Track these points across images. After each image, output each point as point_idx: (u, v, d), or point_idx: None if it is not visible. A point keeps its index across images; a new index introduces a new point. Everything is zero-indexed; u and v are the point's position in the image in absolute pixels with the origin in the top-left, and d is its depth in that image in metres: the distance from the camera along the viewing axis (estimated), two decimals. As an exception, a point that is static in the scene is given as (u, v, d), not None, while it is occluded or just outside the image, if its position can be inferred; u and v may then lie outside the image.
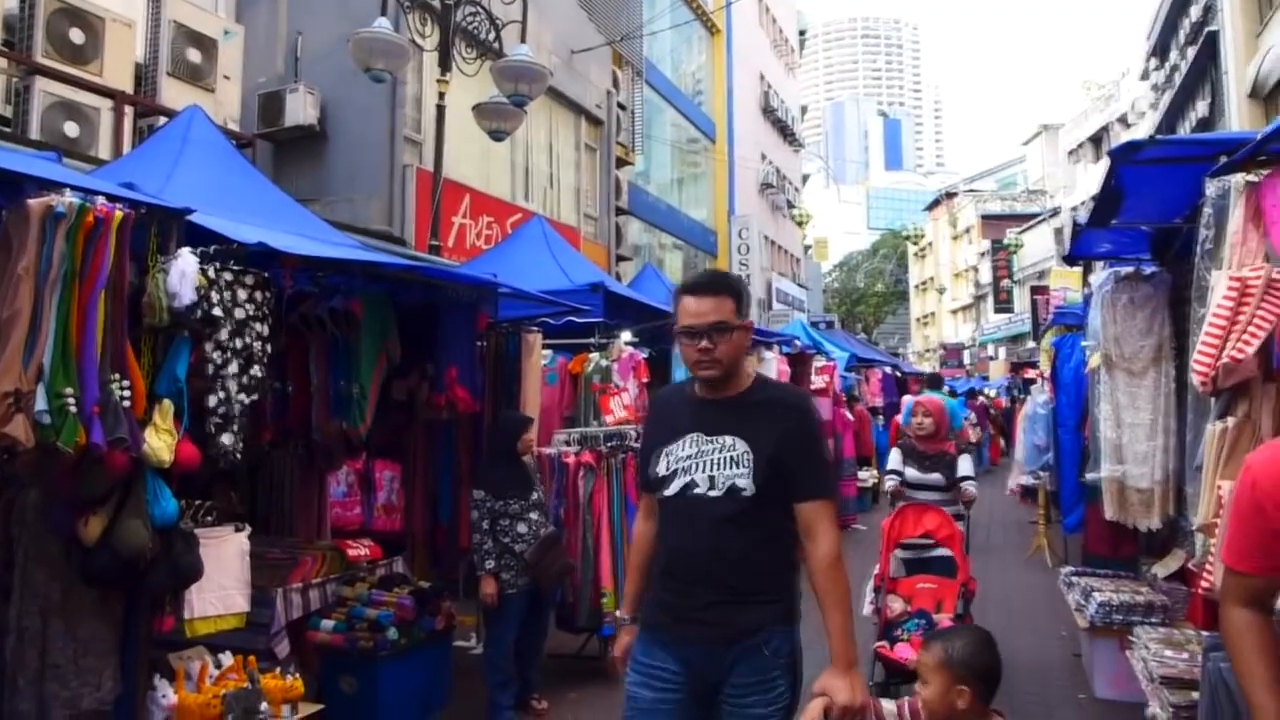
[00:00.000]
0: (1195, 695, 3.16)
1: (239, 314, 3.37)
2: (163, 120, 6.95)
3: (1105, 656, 4.84)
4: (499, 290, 5.26)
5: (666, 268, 20.09)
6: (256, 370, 3.38)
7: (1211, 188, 3.03)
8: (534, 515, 4.74)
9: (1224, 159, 2.95)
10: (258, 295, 3.46)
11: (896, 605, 4.62)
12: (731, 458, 2.35)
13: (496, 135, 8.60)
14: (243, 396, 3.35)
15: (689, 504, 2.38)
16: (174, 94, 7.54)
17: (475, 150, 10.86)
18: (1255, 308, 2.61)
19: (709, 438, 2.39)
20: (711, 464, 2.37)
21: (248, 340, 3.38)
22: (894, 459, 5.56)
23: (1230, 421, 2.74)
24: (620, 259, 16.61)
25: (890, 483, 5.44)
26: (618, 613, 2.71)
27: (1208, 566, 2.88)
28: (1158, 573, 5.10)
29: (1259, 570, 1.71)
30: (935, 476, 5.26)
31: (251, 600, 4.13)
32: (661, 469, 2.44)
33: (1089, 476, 5.58)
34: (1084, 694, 5.03)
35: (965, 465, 5.31)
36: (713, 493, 2.35)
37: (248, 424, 3.58)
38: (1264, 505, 1.65)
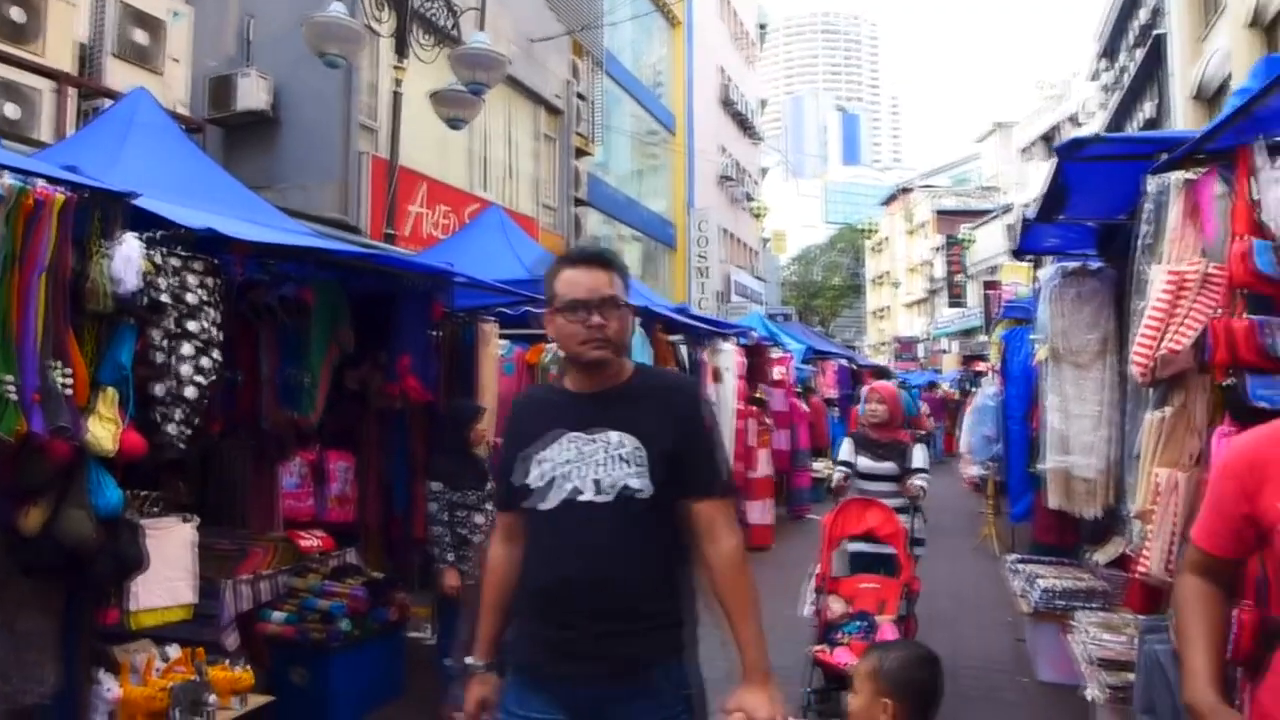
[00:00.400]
0: (1130, 676, 3.26)
1: (191, 299, 3.31)
2: (107, 103, 6.77)
3: (1047, 641, 4.97)
4: (454, 279, 5.22)
5: (625, 259, 20.03)
6: (215, 355, 3.33)
7: (1151, 185, 3.11)
8: (490, 506, 4.72)
9: (1164, 157, 3.03)
10: (208, 281, 3.40)
11: (837, 606, 4.42)
12: (620, 456, 2.03)
13: (454, 124, 8.52)
14: (200, 379, 3.30)
15: (573, 516, 2.03)
16: (119, 76, 7.33)
17: (432, 138, 10.74)
18: (1191, 301, 2.70)
19: (590, 436, 2.06)
20: (597, 466, 2.03)
21: (204, 325, 3.32)
22: (845, 449, 5.34)
23: (1167, 411, 2.83)
24: (579, 250, 16.56)
25: (838, 474, 5.21)
26: (468, 659, 2.24)
27: (1144, 552, 2.97)
28: (1098, 560, 5.24)
29: (1217, 550, 1.75)
30: (888, 466, 5.08)
31: (200, 592, 4.07)
32: (534, 479, 2.08)
33: (1038, 467, 5.72)
34: (1026, 677, 5.17)
35: (919, 456, 5.12)
36: (601, 498, 2.02)
37: (203, 412, 3.52)
38: (1231, 488, 1.71)
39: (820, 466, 12.95)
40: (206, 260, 3.39)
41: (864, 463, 5.14)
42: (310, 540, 4.84)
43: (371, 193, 9.95)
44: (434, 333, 5.33)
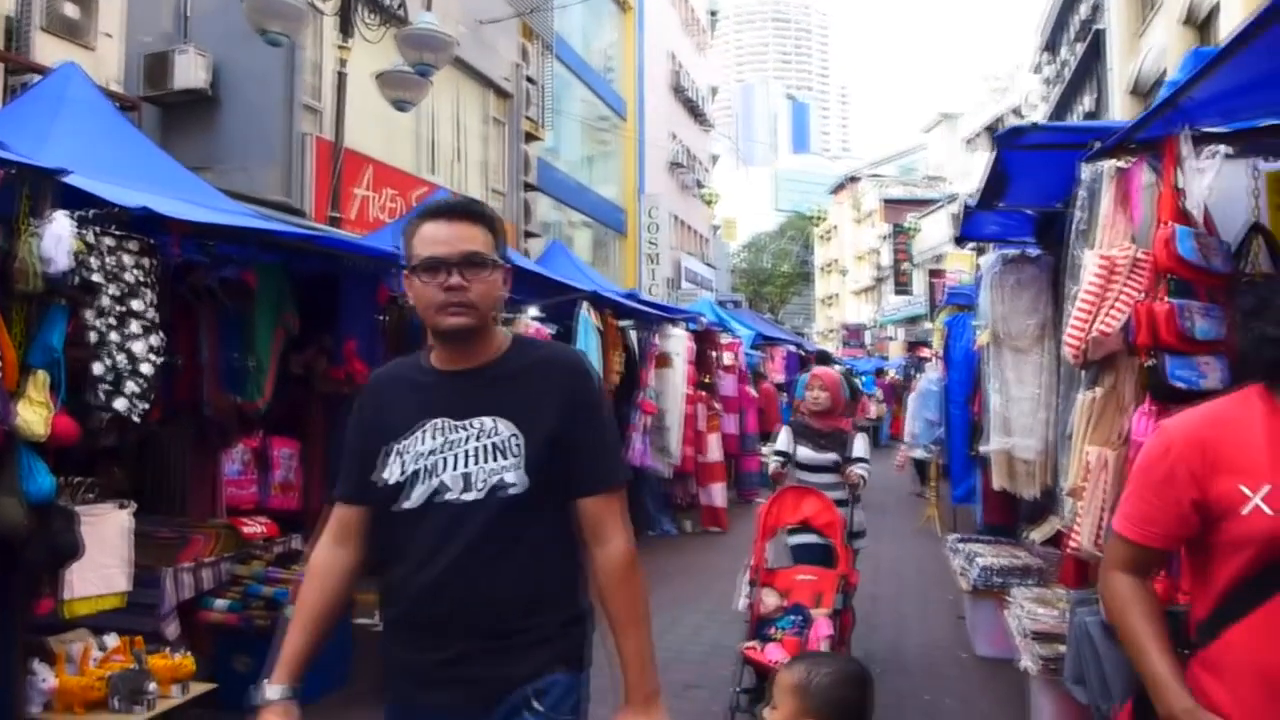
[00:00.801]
0: (1062, 648, 3.38)
1: (129, 279, 3.23)
2: (35, 79, 6.52)
3: (985, 617, 5.12)
4: (400, 262, 5.16)
5: (575, 246, 20.01)
6: (157, 338, 3.26)
7: (1085, 172, 3.20)
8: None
9: (1097, 145, 3.12)
10: (145, 262, 3.32)
11: (770, 600, 4.18)
12: (494, 446, 1.74)
13: (400, 106, 8.40)
14: (154, 357, 3.22)
15: (438, 518, 1.74)
16: (49, 51, 7.08)
17: (378, 120, 10.56)
18: (1121, 285, 2.79)
19: (459, 422, 1.76)
20: (465, 457, 1.74)
21: (145, 304, 3.24)
22: (782, 438, 5.05)
23: (1098, 392, 2.93)
24: (528, 235, 16.47)
25: (774, 463, 4.94)
26: (265, 686, 1.85)
27: (1075, 528, 3.08)
28: (1035, 538, 5.40)
29: (1152, 542, 1.67)
30: (830, 457, 4.79)
31: (139, 580, 3.98)
32: (392, 473, 1.77)
33: (981, 449, 5.88)
34: (966, 653, 5.32)
35: (860, 445, 4.86)
36: (469, 495, 1.73)
37: (151, 392, 3.44)
38: (1177, 473, 1.62)
39: (768, 451, 13.12)
40: (142, 240, 3.31)
41: (804, 453, 4.88)
42: (254, 527, 4.77)
43: (315, 175, 9.76)
44: (380, 316, 5.27)
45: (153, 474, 5.20)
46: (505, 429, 1.75)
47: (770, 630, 4.00)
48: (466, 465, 1.74)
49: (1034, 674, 3.56)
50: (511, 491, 1.72)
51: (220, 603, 4.34)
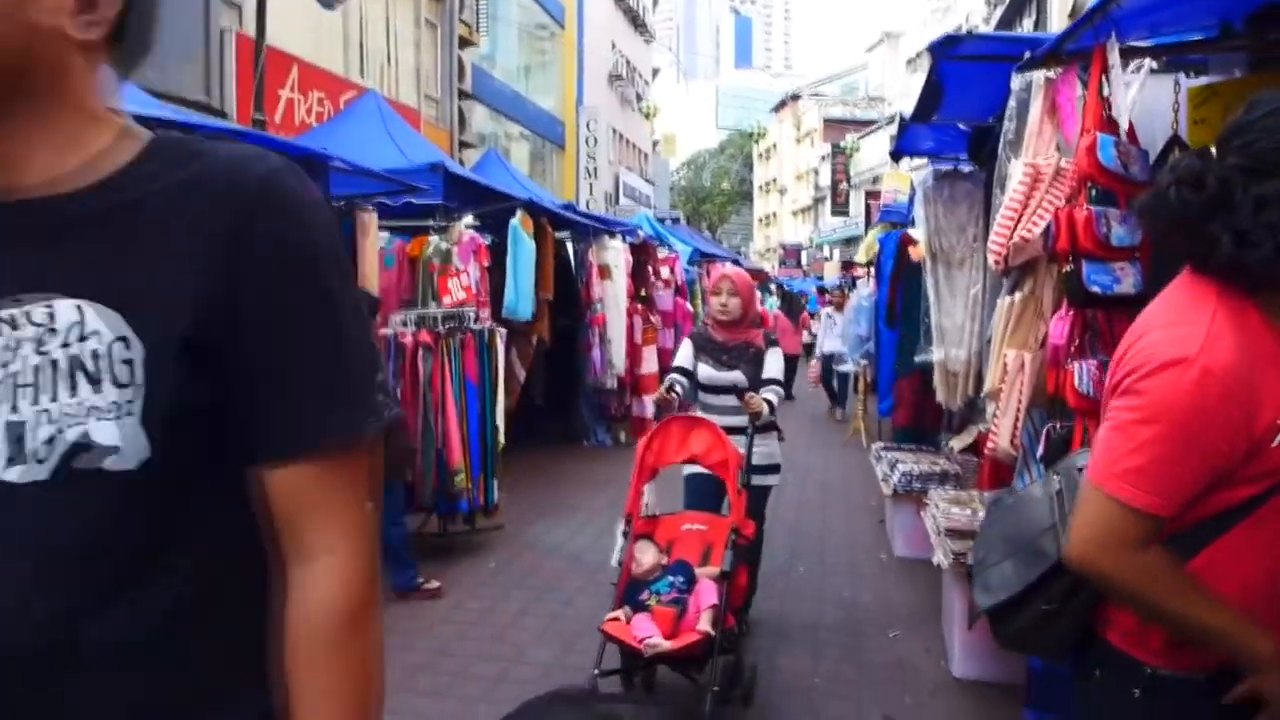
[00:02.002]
0: (973, 544, 3.57)
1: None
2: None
3: (904, 520, 5.36)
4: (329, 163, 5.00)
5: (513, 159, 19.56)
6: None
7: (1016, 83, 3.24)
8: (380, 397, 4.70)
9: (1028, 55, 3.15)
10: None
11: (647, 556, 3.38)
12: (71, 362, 0.81)
13: (327, 3, 8.00)
14: None
15: None
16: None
17: (304, 19, 10.05)
18: (1044, 193, 2.86)
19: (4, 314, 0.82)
20: (14, 393, 0.81)
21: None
22: (682, 352, 4.12)
23: (1017, 296, 3.04)
24: (464, 145, 16.04)
25: (665, 384, 3.92)
26: None
27: (993, 429, 3.22)
28: (954, 446, 5.64)
29: (1177, 511, 1.32)
30: (736, 375, 3.93)
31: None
32: None
33: (919, 358, 6.04)
34: (885, 554, 5.58)
35: (774, 363, 3.97)
36: (14, 473, 0.80)
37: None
38: (1232, 416, 1.27)
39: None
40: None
41: (705, 371, 4.01)
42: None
43: (237, 74, 9.30)
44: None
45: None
46: (99, 324, 0.82)
47: (644, 596, 3.24)
48: (13, 406, 0.81)
49: (946, 568, 3.76)
50: (109, 465, 0.80)
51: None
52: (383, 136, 6.93)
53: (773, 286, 20.44)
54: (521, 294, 6.97)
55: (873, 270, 9.21)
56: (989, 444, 3.39)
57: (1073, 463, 1.74)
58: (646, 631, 3.04)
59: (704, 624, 3.06)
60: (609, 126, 26.39)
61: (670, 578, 3.28)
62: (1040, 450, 2.76)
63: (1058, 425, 2.70)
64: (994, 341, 3.21)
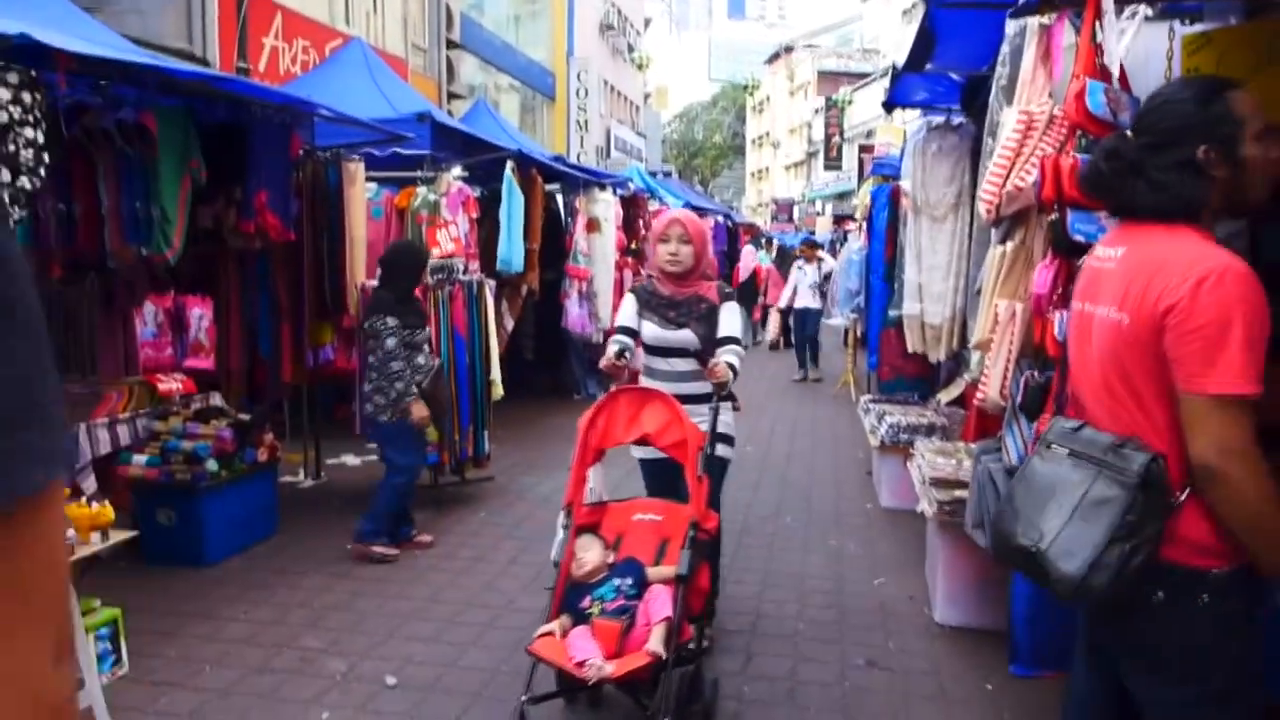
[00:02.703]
0: (958, 493, 3.61)
1: (7, 116, 3.00)
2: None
3: (891, 471, 5.41)
4: (315, 112, 4.92)
5: (503, 110, 19.27)
6: (25, 182, 3.04)
7: (1011, 28, 3.21)
8: (428, 347, 4.72)
9: (1022, 0, 3.11)
10: (24, 97, 3.08)
11: (590, 554, 2.84)
12: None
13: (309, -56, 7.79)
14: (15, 210, 3.03)
15: None
16: None
17: (286, -38, 9.82)
18: (1037, 141, 2.85)
19: None
20: None
21: (14, 148, 3.02)
22: (625, 310, 3.47)
23: (1009, 246, 3.03)
24: (453, 96, 15.79)
25: (613, 348, 3.24)
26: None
27: (983, 380, 3.24)
28: (941, 399, 5.68)
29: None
30: (685, 335, 3.32)
31: (50, 436, 3.89)
32: None
33: (892, 313, 6.08)
34: (871, 504, 5.64)
35: (730, 319, 3.36)
36: None
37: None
38: (1260, 295, 1.55)
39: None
40: (22, 71, 3.06)
41: (650, 330, 3.38)
42: (169, 383, 4.68)
43: (220, 21, 9.09)
44: (294, 170, 5.06)
45: (58, 333, 5.03)
46: None
47: (585, 603, 2.74)
48: None
49: (931, 517, 3.80)
50: None
51: (139, 458, 4.30)
52: (369, 86, 6.81)
53: (764, 240, 20.27)
54: (515, 247, 6.92)
55: (864, 224, 9.18)
56: (978, 394, 3.41)
57: (1063, 428, 1.78)
58: (585, 652, 2.53)
59: (654, 643, 2.54)
60: (600, 78, 26.01)
61: (617, 580, 2.76)
62: (1019, 399, 2.78)
63: (1035, 374, 2.71)
64: (984, 292, 3.21)
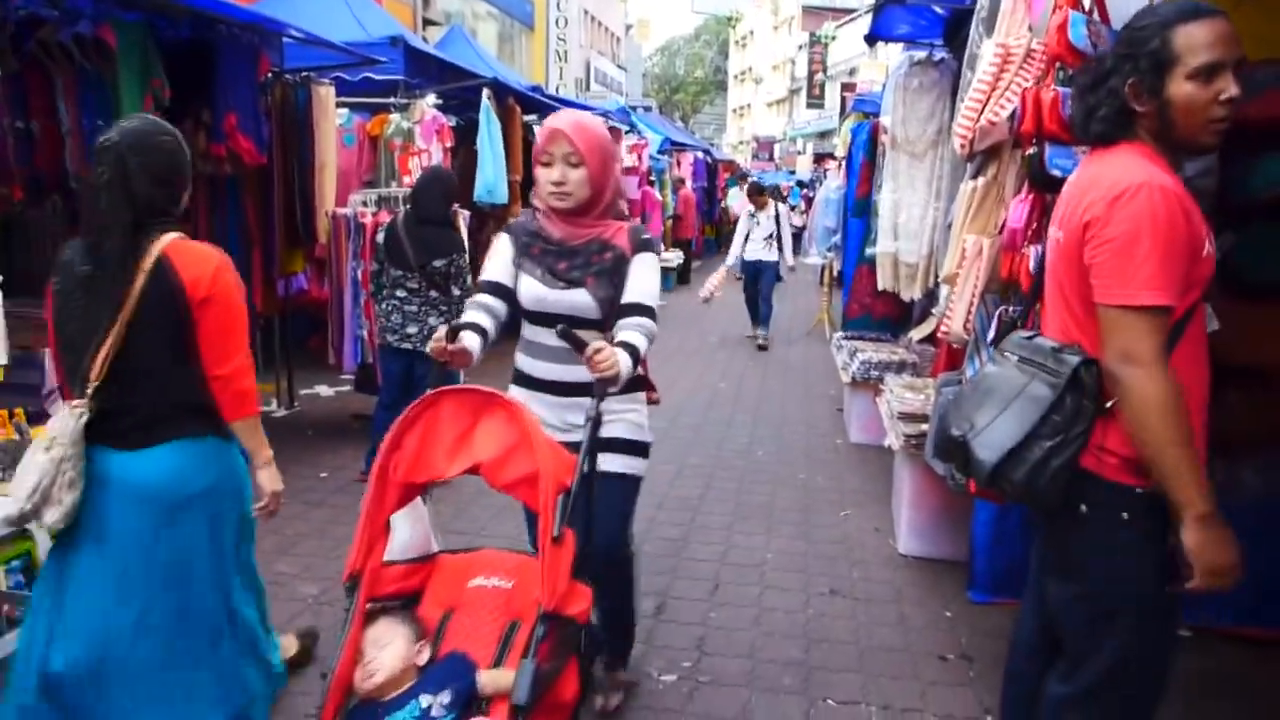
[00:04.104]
0: (925, 427, 3.67)
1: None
2: None
3: (861, 407, 5.49)
4: (284, 33, 4.78)
5: (480, 40, 18.79)
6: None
7: (993, -41, 3.16)
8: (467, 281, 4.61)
9: (1007, -71, 3.06)
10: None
11: (386, 655, 1.79)
12: None
13: None
14: None
15: None
16: None
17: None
18: (1014, 75, 2.83)
19: None
20: None
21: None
22: (495, 258, 2.41)
23: (980, 181, 3.03)
24: (428, 23, 15.37)
25: (469, 316, 2.27)
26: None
27: (947, 313, 3.27)
28: (913, 337, 5.73)
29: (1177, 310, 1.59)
30: (578, 298, 2.32)
31: (17, 362, 3.84)
32: None
33: (868, 251, 6.08)
34: (841, 439, 5.73)
35: (643, 277, 2.34)
36: None
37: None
38: (1194, 222, 1.58)
39: (671, 256, 13.25)
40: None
41: (529, 288, 2.35)
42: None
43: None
44: (263, 93, 4.92)
45: (21, 258, 4.92)
46: None
47: None
48: None
49: (898, 449, 3.87)
50: None
51: (106, 384, 4.24)
52: (340, 7, 6.60)
53: (739, 178, 19.98)
54: (498, 176, 6.80)
55: (843, 163, 9.12)
56: (942, 327, 3.44)
57: (1017, 338, 1.82)
58: None
59: None
60: (580, 7, 25.38)
61: (425, 698, 1.71)
62: (991, 334, 2.81)
63: (1009, 309, 2.73)
64: (954, 226, 3.22)
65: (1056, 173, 2.55)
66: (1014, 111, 2.75)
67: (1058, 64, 2.61)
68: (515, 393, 2.41)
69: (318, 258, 5.56)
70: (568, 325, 2.03)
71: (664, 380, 7.33)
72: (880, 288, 5.69)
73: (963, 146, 2.98)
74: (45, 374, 4.08)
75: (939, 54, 5.40)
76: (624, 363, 2.02)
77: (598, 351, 1.95)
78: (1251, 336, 1.70)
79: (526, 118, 8.10)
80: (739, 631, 3.18)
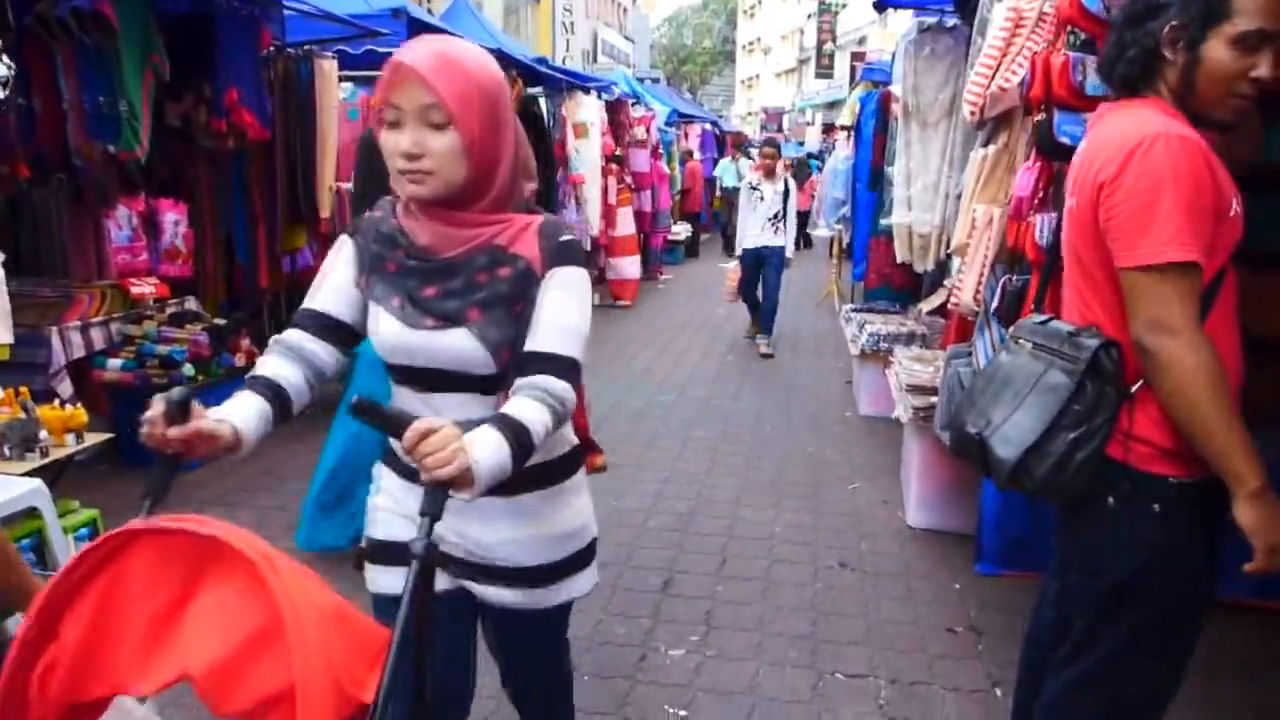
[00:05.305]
0: (934, 399, 3.64)
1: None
2: None
3: (870, 379, 5.45)
4: (284, 5, 4.73)
5: (486, 12, 18.60)
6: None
7: (1005, -80, 3.08)
8: None
9: (1019, -111, 2.98)
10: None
11: None
12: None
13: None
14: None
15: None
16: None
17: None
18: (1025, 39, 2.77)
19: None
20: None
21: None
22: (327, 279, 1.50)
23: (991, 149, 2.98)
24: (432, -6, 15.20)
25: (262, 366, 1.46)
26: None
27: (957, 285, 3.23)
28: (923, 308, 5.68)
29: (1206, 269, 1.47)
30: (459, 342, 1.40)
31: (24, 340, 3.86)
32: None
33: (883, 222, 6.01)
34: (850, 412, 5.70)
35: (561, 302, 1.40)
36: None
37: None
38: (1220, 179, 1.47)
39: (680, 229, 13.19)
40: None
41: (387, 328, 1.44)
42: (142, 287, 4.61)
43: (183, -93, 8.63)
44: (264, 67, 4.88)
45: (27, 237, 4.92)
46: None
47: None
48: None
49: (907, 421, 3.85)
50: None
51: (114, 362, 4.26)
52: (342, -22, 6.53)
53: (744, 149, 19.57)
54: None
55: (851, 133, 9.00)
56: (952, 299, 3.41)
57: (1030, 323, 1.76)
58: None
59: None
60: (586, -23, 25.10)
61: None
62: (995, 304, 2.77)
63: (1013, 278, 2.70)
64: (964, 196, 3.17)
65: (1065, 140, 2.49)
66: (1024, 78, 2.70)
67: (1069, 28, 2.55)
68: (386, 481, 1.57)
69: (323, 233, 5.54)
70: (435, 381, 1.41)
71: (671, 353, 7.37)
72: (899, 259, 5.62)
73: (973, 114, 2.92)
74: (52, 352, 4.09)
75: (950, 20, 5.30)
76: (483, 458, 1.16)
77: (424, 438, 1.12)
78: (1257, 306, 1.61)
79: (531, 90, 8.03)
80: (747, 605, 3.17)
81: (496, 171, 1.42)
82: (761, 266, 7.41)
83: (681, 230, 13.23)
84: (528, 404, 1.31)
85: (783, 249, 7.36)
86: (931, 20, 5.35)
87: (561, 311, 1.40)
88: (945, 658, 2.87)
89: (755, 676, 2.73)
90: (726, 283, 7.28)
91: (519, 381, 1.35)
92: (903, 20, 9.06)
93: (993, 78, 2.81)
